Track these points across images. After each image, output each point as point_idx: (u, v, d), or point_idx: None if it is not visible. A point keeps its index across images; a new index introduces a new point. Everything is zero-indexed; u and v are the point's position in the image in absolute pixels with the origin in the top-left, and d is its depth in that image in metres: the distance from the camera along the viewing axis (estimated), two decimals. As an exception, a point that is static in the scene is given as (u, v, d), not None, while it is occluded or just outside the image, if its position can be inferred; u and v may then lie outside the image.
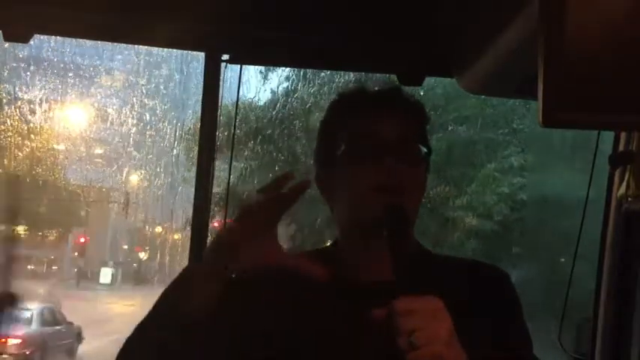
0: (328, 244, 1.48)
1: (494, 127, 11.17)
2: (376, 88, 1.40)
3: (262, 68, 11.49)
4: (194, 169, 2.22)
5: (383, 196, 1.26)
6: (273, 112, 11.74)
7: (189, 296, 1.22)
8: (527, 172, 10.88)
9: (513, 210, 10.77)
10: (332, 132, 1.38)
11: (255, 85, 11.98)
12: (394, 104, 1.35)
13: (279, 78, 11.97)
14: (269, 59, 2.67)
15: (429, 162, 1.36)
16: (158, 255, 21.17)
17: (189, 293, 1.22)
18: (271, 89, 12.16)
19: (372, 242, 1.30)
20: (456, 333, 1.09)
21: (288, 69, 11.19)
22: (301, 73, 11.05)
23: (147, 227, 20.27)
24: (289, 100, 11.66)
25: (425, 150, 1.34)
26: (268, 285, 1.30)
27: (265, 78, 12.03)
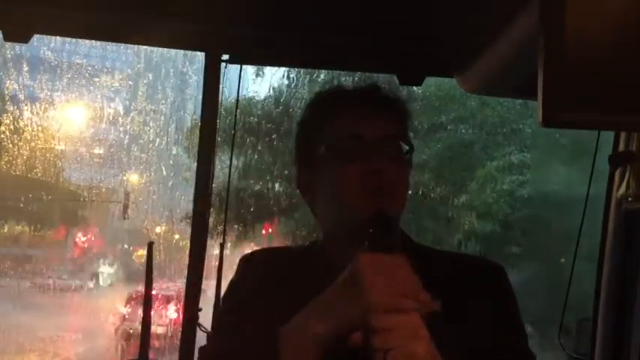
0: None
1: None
2: (355, 87, 1.38)
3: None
4: (194, 167, 2.22)
5: (369, 197, 1.25)
6: (276, 110, 11.77)
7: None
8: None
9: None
10: (313, 132, 1.35)
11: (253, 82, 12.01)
12: (377, 103, 1.34)
13: (274, 77, 12.01)
14: (269, 59, 2.67)
15: (411, 158, 1.35)
16: (158, 255, 21.17)
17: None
18: (272, 85, 12.18)
19: (358, 243, 1.30)
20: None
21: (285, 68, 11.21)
22: (301, 72, 11.05)
23: (147, 227, 20.27)
24: (285, 99, 11.68)
25: (407, 147, 1.33)
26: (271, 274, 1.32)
27: (257, 75, 12.03)
